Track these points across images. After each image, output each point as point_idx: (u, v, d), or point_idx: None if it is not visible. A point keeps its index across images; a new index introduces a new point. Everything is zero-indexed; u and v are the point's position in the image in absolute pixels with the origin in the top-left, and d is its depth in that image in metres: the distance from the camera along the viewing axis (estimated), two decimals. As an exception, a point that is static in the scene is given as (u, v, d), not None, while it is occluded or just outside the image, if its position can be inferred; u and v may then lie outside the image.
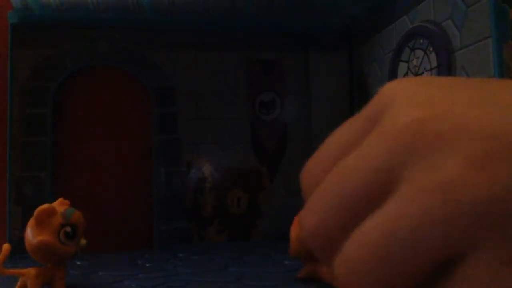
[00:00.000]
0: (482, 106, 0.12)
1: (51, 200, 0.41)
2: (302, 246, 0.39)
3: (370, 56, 0.69)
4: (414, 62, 0.56)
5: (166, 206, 0.70)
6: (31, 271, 0.38)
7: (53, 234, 0.37)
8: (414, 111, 0.12)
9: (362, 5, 0.70)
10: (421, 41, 0.55)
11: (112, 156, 0.70)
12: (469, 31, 0.46)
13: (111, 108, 0.71)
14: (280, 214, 0.71)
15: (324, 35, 0.77)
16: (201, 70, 0.73)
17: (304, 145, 0.74)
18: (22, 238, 0.38)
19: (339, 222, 0.13)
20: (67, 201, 0.41)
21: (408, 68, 0.58)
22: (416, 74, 0.56)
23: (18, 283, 0.39)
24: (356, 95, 0.75)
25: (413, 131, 0.12)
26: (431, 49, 0.53)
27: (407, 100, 0.13)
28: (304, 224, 0.15)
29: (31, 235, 0.37)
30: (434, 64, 0.52)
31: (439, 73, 0.50)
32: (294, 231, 0.41)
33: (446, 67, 0.49)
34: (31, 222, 0.38)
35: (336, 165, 0.14)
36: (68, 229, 0.38)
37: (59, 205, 0.39)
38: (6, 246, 0.37)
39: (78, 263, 0.55)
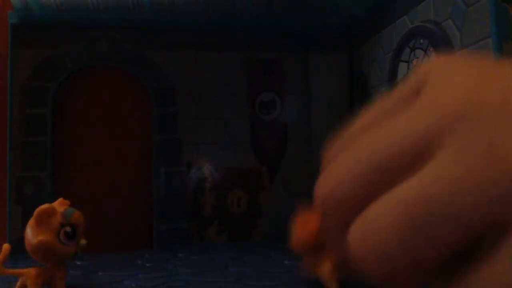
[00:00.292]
0: None
1: (51, 200, 0.41)
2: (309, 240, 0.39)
3: (370, 56, 0.69)
4: (415, 62, 0.56)
5: (166, 206, 0.70)
6: (31, 271, 0.38)
7: (53, 234, 0.37)
8: (459, 82, 0.12)
9: (362, 5, 0.70)
10: (421, 41, 0.55)
11: (112, 156, 0.70)
12: (469, 31, 0.46)
13: (111, 108, 0.71)
14: (280, 214, 0.71)
15: (324, 35, 0.77)
16: (201, 70, 0.73)
17: (304, 145, 0.74)
18: (22, 238, 0.38)
19: (364, 185, 0.12)
20: (67, 201, 0.41)
21: (409, 68, 0.58)
22: (416, 74, 0.56)
23: (18, 283, 0.39)
24: (356, 95, 0.75)
25: (458, 100, 0.12)
26: (431, 49, 0.53)
27: (450, 73, 0.13)
28: (321, 186, 0.14)
29: (31, 235, 0.37)
30: (434, 64, 0.52)
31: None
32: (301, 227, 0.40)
33: (446, 67, 0.49)
34: (31, 222, 0.38)
35: (367, 133, 0.13)
36: (68, 229, 0.38)
37: (59, 205, 0.39)
38: (6, 246, 0.37)
39: (78, 263, 0.55)
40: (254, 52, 0.75)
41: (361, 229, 0.12)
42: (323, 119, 0.75)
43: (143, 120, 0.71)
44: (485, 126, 0.11)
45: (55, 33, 0.69)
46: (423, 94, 0.13)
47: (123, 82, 0.72)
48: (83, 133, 0.70)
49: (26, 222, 0.38)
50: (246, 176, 0.73)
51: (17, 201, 0.65)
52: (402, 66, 0.59)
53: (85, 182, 0.69)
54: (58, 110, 0.69)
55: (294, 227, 0.41)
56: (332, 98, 0.76)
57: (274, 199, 0.73)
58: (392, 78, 0.61)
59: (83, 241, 0.40)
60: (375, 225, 0.12)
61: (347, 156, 0.13)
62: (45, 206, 0.38)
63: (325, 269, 0.38)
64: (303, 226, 0.39)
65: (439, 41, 0.51)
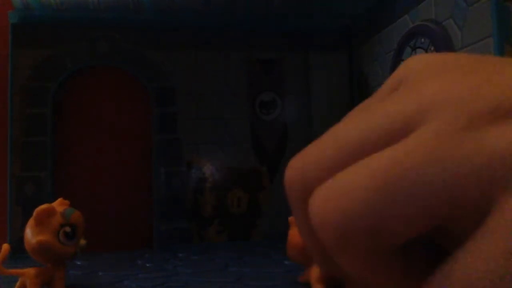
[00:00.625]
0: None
1: (51, 200, 0.41)
2: (300, 251, 0.38)
3: (370, 56, 0.69)
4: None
5: (166, 206, 0.70)
6: (31, 271, 0.38)
7: (53, 234, 0.37)
8: (438, 76, 0.12)
9: (362, 5, 0.70)
10: (422, 40, 0.55)
11: (112, 156, 0.70)
12: (470, 30, 0.46)
13: (111, 108, 0.71)
14: (280, 214, 0.71)
15: (324, 35, 0.77)
16: (201, 70, 0.73)
17: (304, 145, 0.73)
18: (22, 238, 0.38)
19: (335, 162, 0.12)
20: (67, 201, 0.40)
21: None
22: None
23: (18, 283, 0.39)
24: (356, 95, 0.75)
25: (436, 90, 0.11)
26: (432, 48, 0.52)
27: (429, 69, 0.12)
28: (293, 163, 0.13)
29: (30, 235, 0.37)
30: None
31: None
32: (293, 238, 0.40)
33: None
34: (31, 222, 0.37)
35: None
36: (68, 229, 0.38)
37: (59, 205, 0.39)
38: (6, 246, 0.37)
39: (78, 263, 0.55)
40: (254, 52, 0.75)
41: (324, 190, 0.12)
42: (323, 119, 0.75)
43: (143, 120, 0.71)
44: (464, 108, 0.11)
45: (55, 33, 0.69)
46: (401, 87, 0.13)
47: (123, 82, 0.72)
48: (83, 133, 0.70)
49: (26, 222, 0.38)
50: (246, 176, 0.73)
51: (17, 201, 0.65)
52: (403, 66, 0.59)
53: (85, 182, 0.69)
54: (58, 110, 0.69)
55: (289, 231, 0.41)
56: (332, 98, 0.76)
57: (274, 199, 0.73)
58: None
59: (82, 241, 0.40)
60: (339, 185, 0.11)
61: (317, 141, 0.13)
62: (44, 206, 0.37)
63: (313, 273, 0.38)
64: (295, 230, 0.38)
65: (440, 41, 0.50)
